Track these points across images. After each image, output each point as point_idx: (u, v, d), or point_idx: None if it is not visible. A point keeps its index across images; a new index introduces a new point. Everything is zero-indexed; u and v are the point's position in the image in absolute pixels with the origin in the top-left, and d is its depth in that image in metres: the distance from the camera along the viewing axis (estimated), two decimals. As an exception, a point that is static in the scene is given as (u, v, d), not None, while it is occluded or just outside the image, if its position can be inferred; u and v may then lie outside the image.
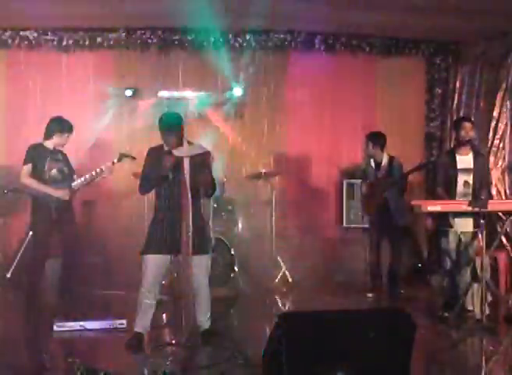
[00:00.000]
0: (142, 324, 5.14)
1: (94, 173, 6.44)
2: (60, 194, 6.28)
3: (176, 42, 7.99)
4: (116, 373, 4.30)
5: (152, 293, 5.11)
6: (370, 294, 7.10)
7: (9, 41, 7.72)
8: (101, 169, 6.41)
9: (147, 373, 4.60)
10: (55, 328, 5.47)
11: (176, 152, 5.03)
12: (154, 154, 5.16)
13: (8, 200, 7.35)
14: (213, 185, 5.23)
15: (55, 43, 7.79)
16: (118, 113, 7.97)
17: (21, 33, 7.70)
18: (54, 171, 6.33)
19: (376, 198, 7.02)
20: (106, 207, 7.80)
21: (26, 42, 7.74)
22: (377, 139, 7.11)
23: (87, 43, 7.83)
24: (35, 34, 7.74)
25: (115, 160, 6.46)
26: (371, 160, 7.19)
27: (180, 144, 5.08)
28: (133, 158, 6.48)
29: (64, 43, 7.80)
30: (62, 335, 5.41)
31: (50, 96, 7.72)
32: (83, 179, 6.45)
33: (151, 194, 5.25)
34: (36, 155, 6.30)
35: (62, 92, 7.76)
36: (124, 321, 5.62)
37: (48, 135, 6.39)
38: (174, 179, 5.01)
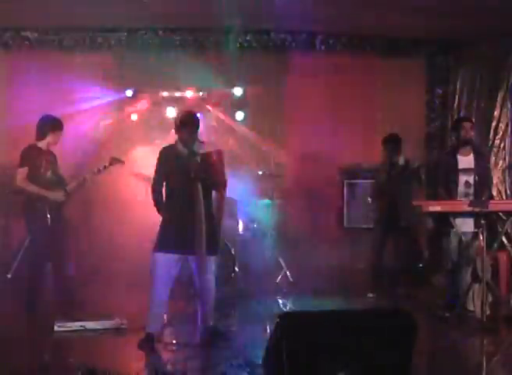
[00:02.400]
0: (154, 324, 5.14)
1: (87, 176, 6.40)
2: (57, 196, 6.22)
3: (177, 42, 8.00)
4: (117, 372, 4.29)
5: (164, 293, 5.10)
6: (371, 294, 7.09)
7: (10, 41, 7.74)
8: (94, 172, 6.40)
9: (148, 373, 4.60)
10: (55, 328, 5.47)
11: (192, 150, 5.04)
12: (167, 153, 5.16)
13: (9, 200, 7.35)
14: (224, 182, 5.28)
15: (56, 43, 7.80)
16: (118, 113, 7.97)
17: (22, 33, 7.72)
18: (49, 173, 6.26)
19: (387, 196, 7.04)
20: (106, 207, 7.80)
21: (26, 42, 7.75)
22: (393, 142, 7.13)
23: (87, 43, 7.84)
24: (36, 35, 7.74)
25: (107, 164, 6.46)
26: (387, 160, 7.20)
27: (194, 144, 5.11)
28: (122, 162, 6.57)
29: (65, 43, 7.81)
30: (62, 335, 5.41)
31: (50, 96, 7.71)
32: (77, 182, 6.39)
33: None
34: (31, 156, 6.19)
35: (62, 92, 7.76)
36: (125, 321, 5.62)
37: (42, 135, 6.26)
38: (187, 177, 5.00)
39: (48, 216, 6.16)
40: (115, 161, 6.50)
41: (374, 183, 7.47)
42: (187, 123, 5.16)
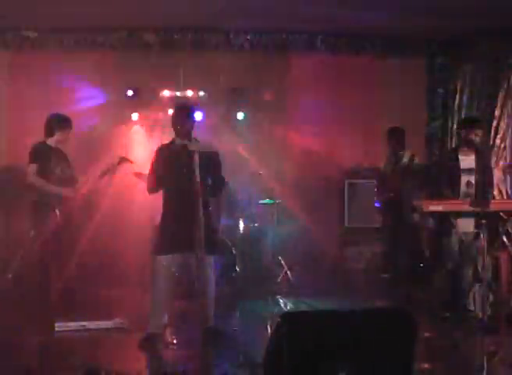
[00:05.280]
0: (156, 324, 5.13)
1: (97, 175, 6.37)
2: (67, 193, 6.22)
3: (177, 42, 7.99)
4: (117, 372, 4.29)
5: (165, 292, 5.10)
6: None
7: (11, 40, 7.72)
8: (104, 171, 6.38)
9: (149, 373, 4.60)
10: (56, 328, 5.46)
11: (189, 146, 5.05)
12: (164, 152, 5.16)
13: (9, 200, 7.35)
14: (222, 183, 5.28)
15: (56, 43, 7.79)
16: (119, 113, 7.97)
17: (22, 33, 7.71)
18: (58, 170, 6.26)
19: (392, 193, 7.04)
20: (108, 206, 7.78)
21: (27, 42, 7.74)
22: (396, 134, 7.10)
23: (88, 43, 7.83)
24: (36, 34, 7.73)
25: (116, 164, 6.42)
26: (392, 155, 7.18)
27: (190, 138, 5.10)
28: (131, 162, 6.54)
29: (65, 43, 7.80)
30: (63, 335, 5.41)
31: (51, 96, 7.71)
32: (86, 179, 6.39)
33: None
34: (40, 154, 6.20)
35: (63, 92, 7.76)
36: (125, 321, 5.61)
37: (49, 132, 6.29)
38: (185, 176, 5.00)
39: (58, 213, 6.14)
40: (124, 160, 6.45)
41: (378, 179, 7.43)
42: (183, 115, 5.17)
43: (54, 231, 6.17)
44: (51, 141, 6.31)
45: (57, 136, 6.31)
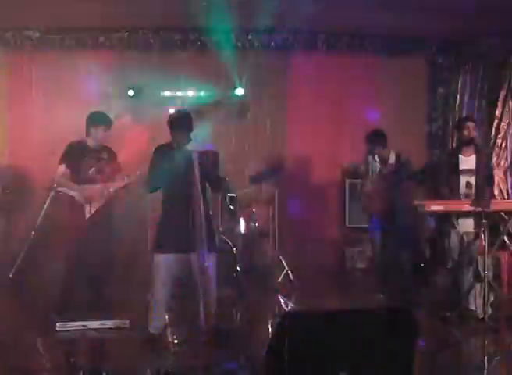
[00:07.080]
0: (156, 325, 5.14)
1: (132, 176, 6.07)
2: (95, 196, 5.94)
3: (178, 42, 8.00)
4: (119, 372, 4.29)
5: (164, 292, 5.11)
6: (381, 295, 7.01)
7: (12, 40, 7.74)
8: (140, 174, 5.95)
9: (150, 373, 4.60)
10: (57, 328, 5.47)
11: (188, 146, 5.05)
12: (163, 151, 5.17)
13: (10, 199, 7.36)
14: (220, 182, 5.28)
15: (58, 43, 7.80)
16: (120, 113, 7.97)
17: (24, 32, 7.72)
18: (92, 171, 6.03)
19: (382, 196, 6.98)
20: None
21: (28, 42, 7.75)
22: (378, 138, 7.03)
23: (89, 43, 7.84)
24: (38, 34, 7.75)
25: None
26: (376, 157, 7.08)
27: (189, 141, 5.11)
28: None
29: (66, 43, 7.81)
30: (64, 335, 5.41)
31: (52, 96, 7.72)
32: (121, 183, 6.10)
33: (155, 193, 5.27)
34: (71, 153, 6.01)
35: (64, 92, 7.77)
36: (127, 321, 5.62)
37: (87, 132, 6.09)
38: (184, 176, 5.00)
39: (85, 215, 5.97)
40: None
41: (362, 183, 7.31)
42: (179, 123, 5.17)
43: (82, 233, 5.94)
44: (89, 141, 6.10)
45: (91, 134, 6.09)
